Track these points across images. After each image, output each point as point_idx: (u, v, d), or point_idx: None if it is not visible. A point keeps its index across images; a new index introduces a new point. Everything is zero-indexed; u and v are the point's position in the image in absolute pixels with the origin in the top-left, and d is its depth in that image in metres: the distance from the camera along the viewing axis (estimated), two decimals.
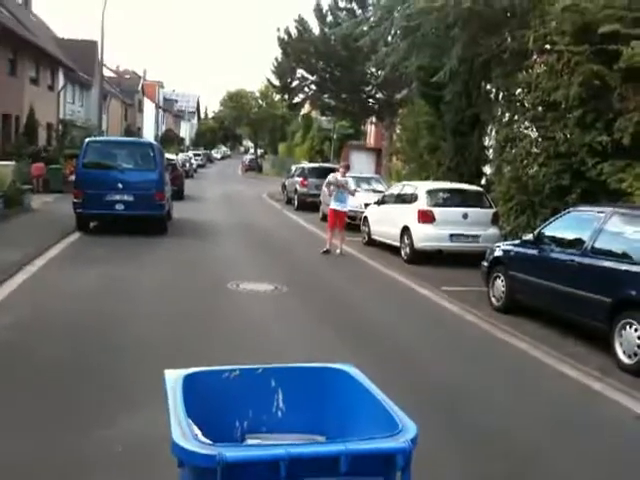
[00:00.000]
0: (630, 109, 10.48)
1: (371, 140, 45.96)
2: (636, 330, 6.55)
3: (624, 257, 7.08)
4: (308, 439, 2.38)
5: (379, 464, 2.02)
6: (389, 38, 18.42)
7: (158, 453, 3.46)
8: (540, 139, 12.87)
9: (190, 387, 2.43)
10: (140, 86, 62.45)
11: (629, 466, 4.54)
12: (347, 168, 15.05)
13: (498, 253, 9.49)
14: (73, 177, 17.32)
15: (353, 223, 17.71)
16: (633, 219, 7.46)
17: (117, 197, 14.47)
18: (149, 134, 59.39)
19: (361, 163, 38.37)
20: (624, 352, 6.70)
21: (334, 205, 14.09)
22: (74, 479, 3.89)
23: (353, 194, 14.60)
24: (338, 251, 13.79)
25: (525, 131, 13.63)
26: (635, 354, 6.54)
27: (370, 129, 45.76)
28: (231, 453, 1.91)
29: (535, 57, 13.01)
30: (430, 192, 13.54)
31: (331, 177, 14.52)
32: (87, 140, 15.97)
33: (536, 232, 8.81)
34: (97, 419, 4.66)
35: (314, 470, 1.93)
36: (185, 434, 2.02)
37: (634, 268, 6.80)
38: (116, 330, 7.10)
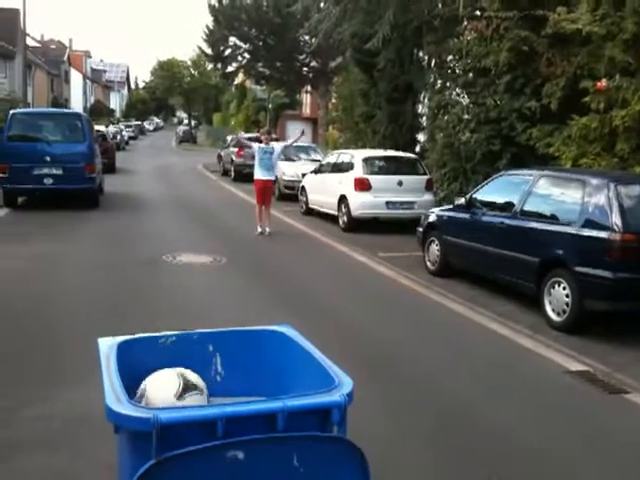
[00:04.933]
0: (557, 74, 10.73)
1: (307, 110, 45.83)
2: (564, 288, 6.80)
3: (552, 218, 7.31)
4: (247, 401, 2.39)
5: (316, 419, 2.05)
6: (321, 4, 18.31)
7: (96, 425, 3.42)
8: (471, 105, 13.09)
9: (125, 355, 2.40)
10: (66, 56, 60.23)
11: (557, 417, 4.74)
12: (270, 134, 13.40)
13: (432, 218, 9.66)
14: None
15: (291, 193, 17.74)
16: (560, 181, 7.69)
17: (45, 171, 14.00)
18: (77, 106, 57.43)
19: (298, 133, 38.14)
20: (553, 310, 6.95)
21: (259, 175, 12.38)
22: (7, 460, 3.79)
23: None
24: (268, 230, 12.29)
25: (457, 98, 13.83)
26: (564, 311, 6.79)
27: (306, 98, 45.61)
28: (166, 415, 1.91)
29: (465, 23, 13.15)
30: (366, 160, 13.61)
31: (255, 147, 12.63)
32: (12, 112, 15.34)
33: (468, 197, 8.99)
34: (29, 397, 4.55)
35: (251, 428, 1.94)
36: (119, 399, 2.00)
37: (561, 229, 7.03)
38: (48, 307, 6.92)
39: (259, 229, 12.34)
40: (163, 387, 2.34)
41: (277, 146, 12.98)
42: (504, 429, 4.48)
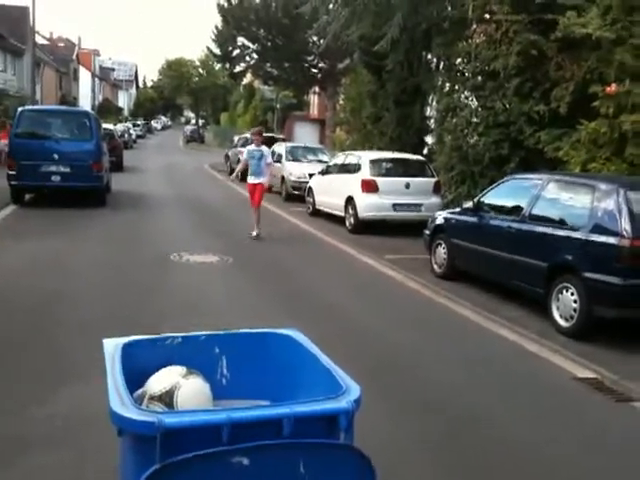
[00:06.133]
0: (566, 78, 10.69)
1: (314, 110, 45.79)
2: (572, 294, 6.74)
3: (560, 223, 7.26)
4: (252, 404, 2.36)
5: (322, 425, 2.02)
6: (330, 6, 18.25)
7: (99, 426, 3.40)
8: (480, 108, 13.06)
9: (130, 356, 2.38)
10: (75, 54, 60.45)
11: (564, 424, 4.69)
12: (260, 134, 12.47)
13: (440, 221, 9.62)
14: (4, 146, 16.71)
15: (298, 193, 17.73)
16: (569, 186, 7.63)
17: (53, 168, 14.03)
18: (85, 104, 57.59)
19: (305, 134, 38.24)
20: (561, 315, 6.90)
21: (251, 179, 12.06)
22: (11, 459, 3.77)
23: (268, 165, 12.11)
24: (254, 233, 11.78)
25: (465, 101, 13.80)
26: (572, 317, 6.74)
27: (313, 99, 45.58)
28: (170, 419, 1.88)
29: (475, 26, 13.11)
30: (373, 162, 13.59)
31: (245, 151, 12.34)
32: (20, 109, 15.39)
33: (476, 200, 8.94)
34: (34, 395, 4.53)
35: (257, 434, 1.91)
36: (123, 402, 1.97)
37: (570, 234, 6.98)
38: (53, 306, 6.89)
39: (255, 231, 11.83)
40: (166, 375, 2.34)
41: (266, 150, 12.22)
42: (510, 435, 4.44)
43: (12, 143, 14.49)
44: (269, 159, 12.11)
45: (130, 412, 1.92)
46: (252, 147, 12.16)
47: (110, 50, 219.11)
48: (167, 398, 2.22)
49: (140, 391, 2.31)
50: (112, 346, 2.41)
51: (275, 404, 2.12)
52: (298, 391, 2.32)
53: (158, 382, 2.28)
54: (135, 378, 2.26)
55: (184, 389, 2.24)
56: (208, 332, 2.72)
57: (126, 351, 2.38)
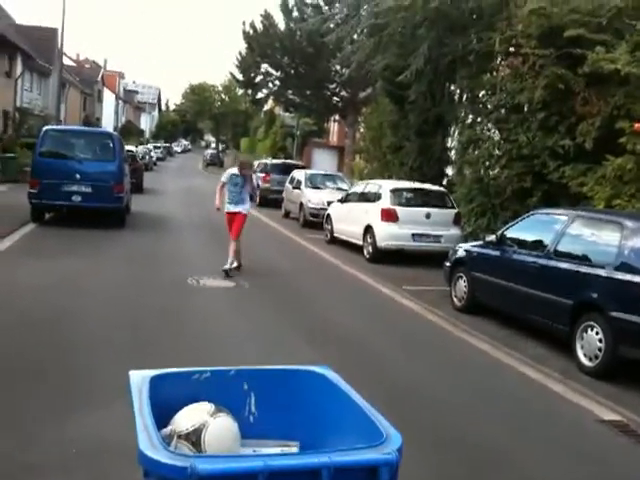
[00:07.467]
0: (593, 113, 10.61)
1: (334, 138, 45.92)
2: (597, 333, 6.60)
3: (586, 260, 7.13)
4: (281, 445, 2.27)
5: (362, 477, 1.92)
6: (355, 36, 18.38)
7: (118, 457, 3.31)
8: (503, 141, 12.98)
9: (157, 389, 2.29)
10: (100, 76, 61.26)
11: (590, 469, 4.54)
12: (250, 168, 11.39)
13: (461, 253, 9.50)
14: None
15: (316, 220, 17.70)
16: (595, 222, 7.52)
17: (74, 188, 14.06)
18: (108, 125, 58.15)
19: (323, 161, 38.35)
20: (585, 355, 6.74)
21: (230, 207, 10.93)
22: None
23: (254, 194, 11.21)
24: (227, 266, 10.27)
25: (488, 133, 13.74)
26: (596, 357, 6.59)
27: (333, 127, 45.73)
28: (204, 465, 1.78)
29: (500, 59, 13.10)
30: (394, 191, 13.53)
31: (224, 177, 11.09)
32: (45, 128, 15.51)
33: (499, 233, 8.83)
34: (49, 421, 4.45)
35: None
36: (153, 442, 1.88)
37: (596, 271, 6.85)
38: (70, 327, 6.84)
39: (235, 262, 10.59)
40: (193, 412, 2.26)
41: (253, 177, 11.34)
42: (533, 477, 4.30)
43: (35, 162, 14.58)
44: (254, 182, 11.21)
45: (160, 455, 1.83)
46: (234, 171, 10.95)
47: (135, 73, 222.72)
48: (194, 437, 2.14)
49: (168, 429, 2.22)
50: (139, 379, 2.33)
51: (313, 452, 2.01)
52: (330, 434, 2.22)
53: (185, 419, 2.20)
54: (163, 412, 2.18)
55: (212, 428, 2.15)
56: (237, 367, 2.63)
57: (153, 384, 2.30)
